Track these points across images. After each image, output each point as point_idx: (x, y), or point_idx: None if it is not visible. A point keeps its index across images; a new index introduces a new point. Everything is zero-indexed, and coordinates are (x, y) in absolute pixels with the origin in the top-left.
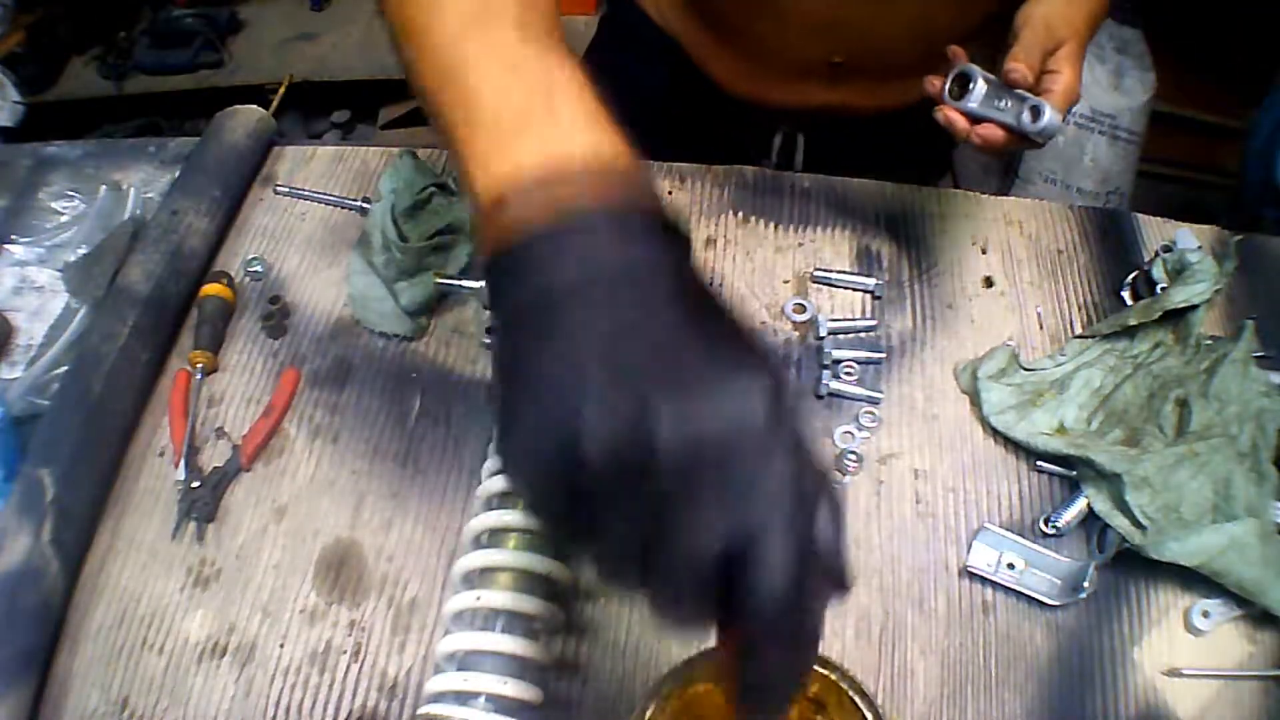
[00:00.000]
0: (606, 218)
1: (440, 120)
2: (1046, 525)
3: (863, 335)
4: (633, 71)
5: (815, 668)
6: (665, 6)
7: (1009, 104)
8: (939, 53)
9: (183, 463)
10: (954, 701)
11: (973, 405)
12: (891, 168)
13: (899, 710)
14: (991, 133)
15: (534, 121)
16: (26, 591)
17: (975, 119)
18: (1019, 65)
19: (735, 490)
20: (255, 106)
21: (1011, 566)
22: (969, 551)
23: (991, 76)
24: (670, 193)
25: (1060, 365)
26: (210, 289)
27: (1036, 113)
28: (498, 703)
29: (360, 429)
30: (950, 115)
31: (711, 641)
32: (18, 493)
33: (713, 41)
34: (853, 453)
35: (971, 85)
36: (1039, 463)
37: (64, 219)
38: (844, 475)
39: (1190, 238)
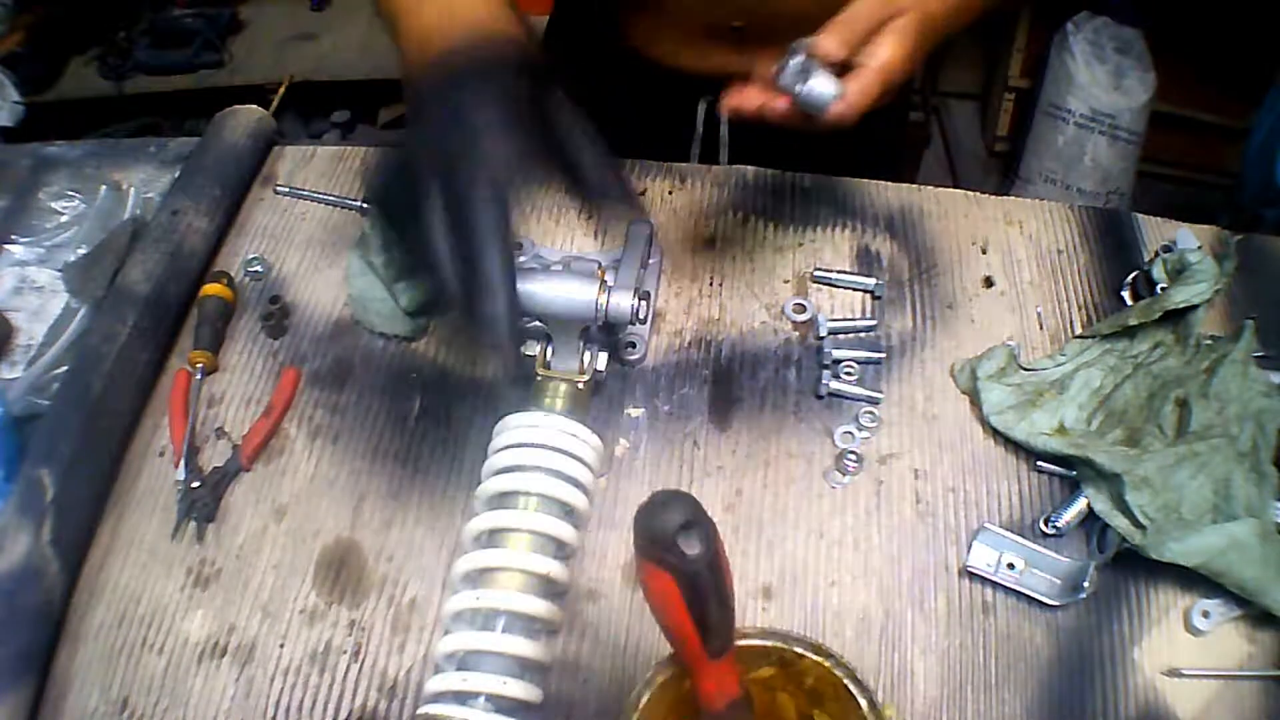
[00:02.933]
0: (463, 59)
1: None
2: (1046, 525)
3: (863, 335)
4: (580, 58)
5: (812, 656)
6: None
7: (815, 77)
8: None
9: (183, 463)
10: (954, 701)
11: (973, 405)
12: (825, 148)
13: (899, 710)
14: (774, 105)
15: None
16: (26, 591)
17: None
18: (826, 37)
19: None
20: (255, 106)
21: (1011, 566)
22: (969, 551)
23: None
24: (670, 192)
25: (1060, 365)
26: (210, 289)
27: (805, 76)
28: (497, 703)
29: (360, 429)
30: (740, 95)
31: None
32: (18, 493)
33: (629, 4)
34: (853, 453)
35: (789, 59)
36: (1039, 463)
37: (64, 219)
38: (844, 475)
39: (1190, 238)
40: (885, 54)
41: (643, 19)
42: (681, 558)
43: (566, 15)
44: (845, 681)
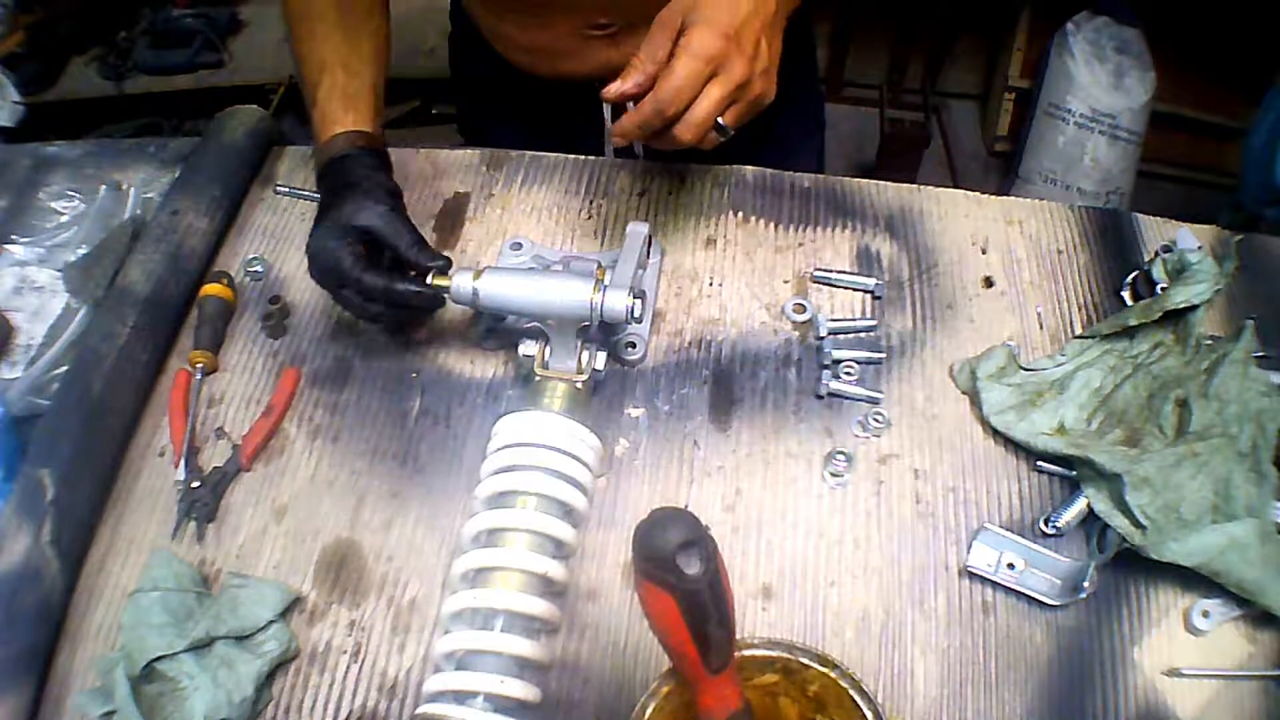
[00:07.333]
0: (345, 158)
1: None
2: (1046, 525)
3: (863, 335)
4: (473, 72)
5: (817, 666)
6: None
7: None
8: None
9: (183, 463)
10: (954, 701)
11: (973, 405)
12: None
13: (899, 710)
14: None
15: (330, 119)
16: (26, 591)
17: None
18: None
19: None
20: (255, 106)
21: (1011, 566)
22: (969, 551)
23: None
24: (670, 193)
25: (1060, 365)
26: (210, 289)
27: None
28: (496, 702)
29: (360, 429)
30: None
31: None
32: (18, 493)
33: (498, 21)
34: (853, 453)
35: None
36: (1039, 463)
37: (64, 219)
38: (844, 475)
39: (1190, 238)
40: (674, 67)
41: (510, 32)
42: (681, 577)
43: (461, 43)
44: (850, 693)
